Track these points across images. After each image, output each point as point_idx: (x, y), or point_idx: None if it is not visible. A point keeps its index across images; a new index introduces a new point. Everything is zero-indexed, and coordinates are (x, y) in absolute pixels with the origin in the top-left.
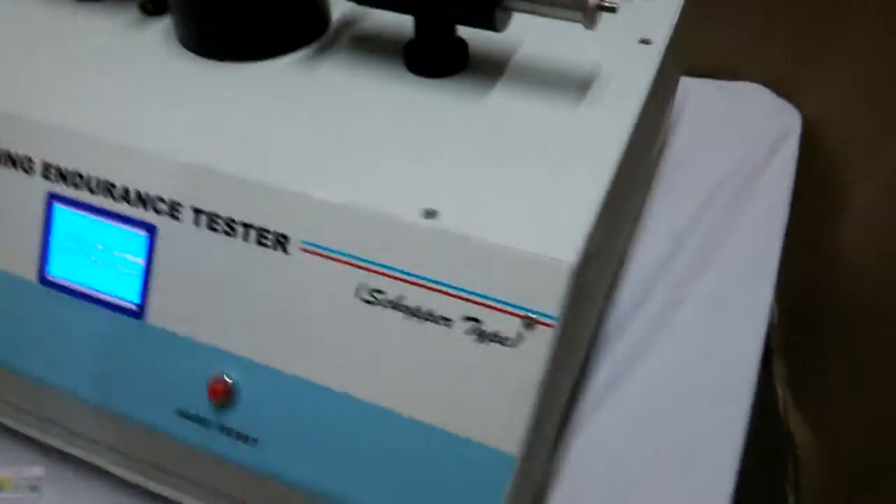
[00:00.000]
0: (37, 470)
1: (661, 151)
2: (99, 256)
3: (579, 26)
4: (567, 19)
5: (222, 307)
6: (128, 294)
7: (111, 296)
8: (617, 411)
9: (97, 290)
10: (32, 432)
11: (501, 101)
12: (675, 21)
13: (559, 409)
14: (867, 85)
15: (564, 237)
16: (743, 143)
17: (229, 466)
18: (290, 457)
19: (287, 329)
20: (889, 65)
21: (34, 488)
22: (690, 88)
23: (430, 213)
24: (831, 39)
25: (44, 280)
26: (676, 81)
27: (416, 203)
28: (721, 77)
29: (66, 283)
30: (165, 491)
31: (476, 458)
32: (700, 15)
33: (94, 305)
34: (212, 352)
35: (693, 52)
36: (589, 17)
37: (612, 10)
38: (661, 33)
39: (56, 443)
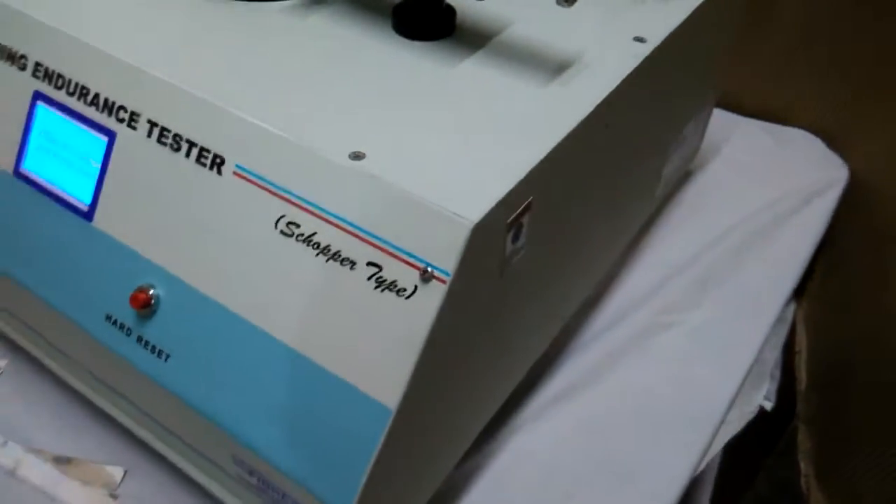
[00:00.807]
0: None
1: (681, 176)
2: (66, 157)
3: (578, 14)
4: None
5: (159, 220)
6: (82, 195)
7: (69, 195)
8: (565, 420)
9: (58, 188)
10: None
11: (472, 69)
12: (676, 23)
13: (465, 381)
14: None
15: (475, 198)
16: (777, 187)
17: (144, 379)
18: (194, 378)
19: (210, 250)
20: None
21: None
22: (738, 126)
23: (357, 156)
24: (888, 96)
25: (17, 173)
26: (702, 105)
27: (348, 146)
28: (774, 120)
29: (36, 178)
30: (99, 401)
31: (356, 406)
32: (757, 57)
33: (53, 202)
34: (142, 262)
35: (725, 80)
36: None
37: None
38: (658, 34)
39: (15, 336)
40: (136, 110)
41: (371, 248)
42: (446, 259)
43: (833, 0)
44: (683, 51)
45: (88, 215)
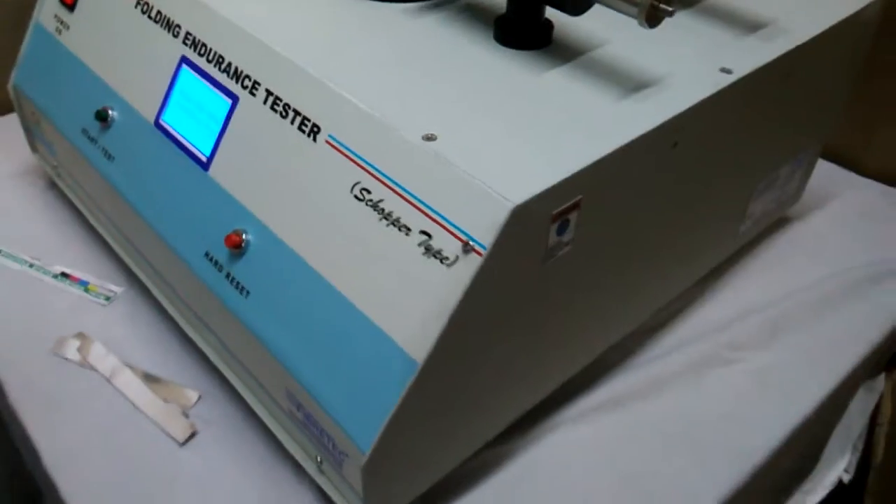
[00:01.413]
0: (116, 288)
1: (775, 220)
2: (196, 114)
3: (671, 40)
4: (627, 13)
5: (260, 175)
6: (203, 148)
7: (193, 146)
8: (602, 429)
9: (186, 140)
10: (119, 251)
11: (556, 79)
12: (766, 60)
13: (494, 357)
14: None
15: (522, 184)
16: (879, 247)
17: (226, 312)
18: (266, 315)
19: (295, 205)
20: None
21: (108, 299)
22: (852, 184)
23: (429, 138)
24: None
25: (157, 124)
26: (800, 150)
27: (424, 128)
28: (889, 182)
29: (170, 129)
30: (188, 329)
31: (390, 355)
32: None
33: (180, 151)
34: (241, 210)
35: (846, 135)
36: (643, 14)
37: (669, 13)
38: (745, 66)
39: (130, 264)
40: (259, 80)
41: (425, 218)
42: (486, 234)
43: None
44: (775, 89)
45: (206, 165)
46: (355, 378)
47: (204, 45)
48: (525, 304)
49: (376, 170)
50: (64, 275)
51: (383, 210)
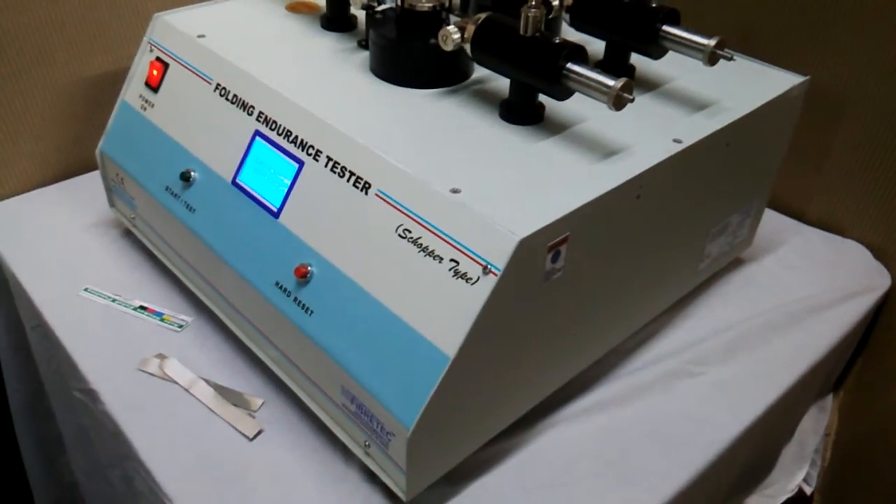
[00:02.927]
0: (187, 317)
1: (730, 260)
2: (268, 174)
3: (635, 117)
4: (599, 100)
5: (322, 221)
6: (274, 201)
7: (266, 200)
8: (590, 426)
9: (259, 195)
10: (190, 286)
11: (547, 147)
12: (709, 131)
13: (508, 355)
14: None
15: (525, 224)
16: (820, 283)
17: (292, 329)
18: (327, 327)
19: (351, 243)
20: None
21: (181, 327)
22: (799, 232)
23: (455, 191)
24: None
25: (234, 182)
26: (746, 201)
27: (450, 184)
28: (833, 230)
29: (245, 187)
30: (253, 347)
31: (429, 353)
32: (819, 170)
33: (255, 204)
34: (306, 248)
35: (771, 186)
36: (611, 100)
37: (630, 100)
38: (693, 137)
39: (201, 296)
40: (320, 149)
41: (454, 250)
42: (500, 260)
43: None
44: (718, 154)
45: (276, 215)
46: (400, 372)
47: (275, 121)
48: (529, 314)
49: (416, 215)
50: (142, 307)
51: (421, 244)
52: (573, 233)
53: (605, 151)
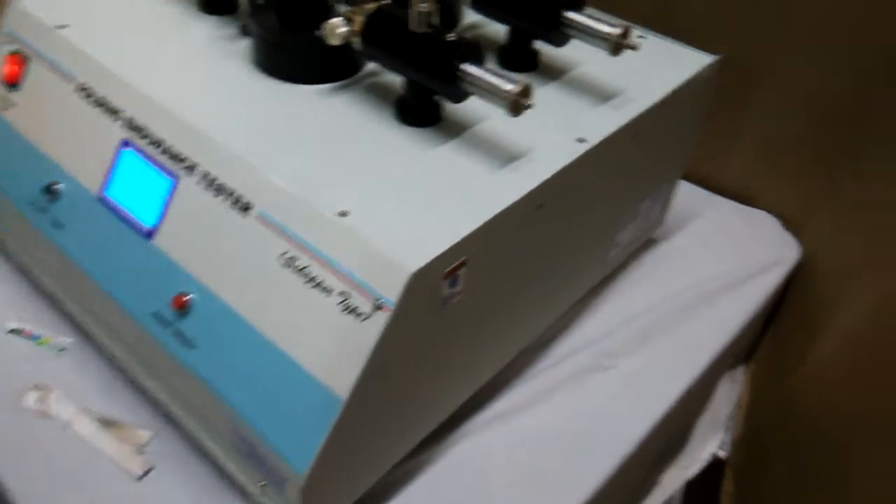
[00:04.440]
0: (67, 339)
1: (642, 243)
2: (140, 190)
3: (536, 114)
4: (497, 104)
5: (201, 244)
6: (148, 220)
7: (138, 219)
8: (503, 435)
9: (131, 213)
10: (70, 307)
11: (446, 153)
12: (615, 127)
13: (407, 388)
14: (868, 232)
15: (419, 251)
16: (730, 260)
17: (175, 362)
18: (212, 363)
19: (233, 271)
20: (891, 214)
21: (62, 350)
22: (710, 204)
23: (343, 213)
24: (843, 186)
25: (102, 198)
26: (657, 187)
27: (339, 205)
28: (745, 201)
29: (115, 204)
30: (139, 377)
31: (321, 395)
32: (731, 139)
33: (126, 223)
34: (185, 275)
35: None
36: (510, 106)
37: (529, 106)
38: (598, 135)
39: (81, 320)
40: (195, 162)
41: (343, 282)
42: (392, 295)
43: (805, 97)
44: (626, 148)
45: (151, 235)
46: (291, 413)
47: (144, 129)
48: (430, 342)
49: (301, 241)
50: (16, 331)
51: (308, 274)
52: (472, 255)
53: (505, 157)
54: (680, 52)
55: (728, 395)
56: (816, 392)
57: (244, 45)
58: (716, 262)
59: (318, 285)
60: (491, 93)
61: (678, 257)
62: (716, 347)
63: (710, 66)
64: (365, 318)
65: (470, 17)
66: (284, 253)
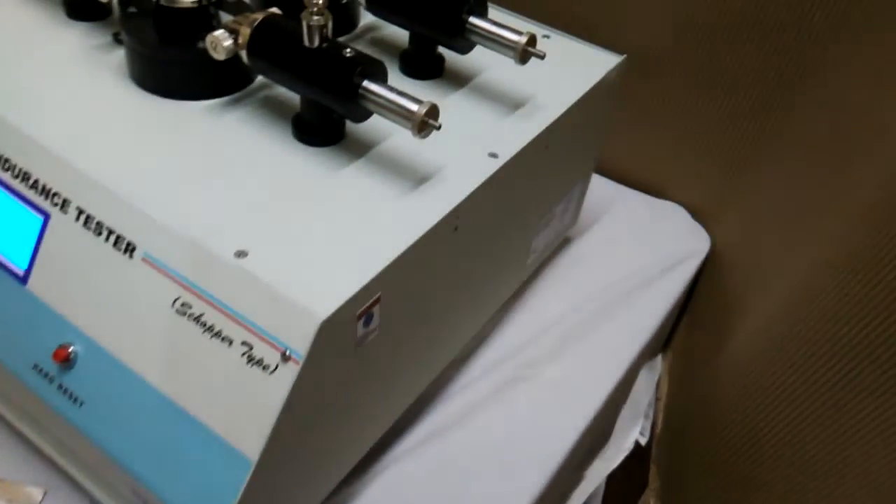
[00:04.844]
0: None
1: (558, 244)
2: (8, 228)
3: (445, 127)
4: (401, 125)
5: (81, 290)
6: (19, 262)
7: (8, 260)
8: (426, 461)
9: (1, 254)
10: None
11: (351, 176)
12: (528, 140)
13: (323, 438)
14: (775, 218)
15: (328, 295)
16: (644, 255)
17: (64, 421)
18: (103, 423)
19: (120, 319)
20: (797, 200)
21: None
22: (620, 196)
23: (241, 253)
24: (748, 174)
25: None
26: (568, 190)
27: (235, 243)
28: (653, 192)
29: None
30: (26, 430)
31: (227, 456)
32: (639, 132)
33: None
34: (65, 323)
35: (594, 163)
36: (416, 127)
37: (436, 127)
38: (510, 149)
39: None
40: (67, 197)
41: (245, 331)
42: (300, 345)
43: (707, 88)
44: (539, 159)
45: (24, 279)
46: (196, 477)
47: (7, 159)
48: (345, 384)
49: (195, 286)
50: None
51: (205, 323)
52: (386, 290)
53: (415, 177)
54: (586, 52)
55: (647, 383)
56: (732, 381)
57: (118, 56)
58: (629, 259)
59: (216, 335)
60: (395, 113)
61: (592, 256)
62: (635, 347)
63: (618, 67)
64: (272, 371)
65: (368, 17)
66: (178, 299)
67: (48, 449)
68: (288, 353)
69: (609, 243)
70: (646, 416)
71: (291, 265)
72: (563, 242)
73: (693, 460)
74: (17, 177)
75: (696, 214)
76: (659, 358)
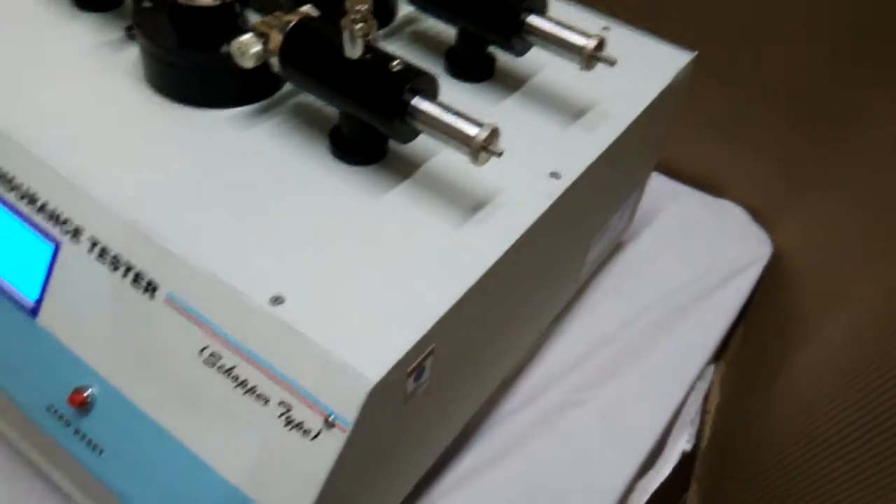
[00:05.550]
0: None
1: (608, 253)
2: (16, 255)
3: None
4: (457, 149)
5: (97, 329)
6: (29, 293)
7: (17, 290)
8: (470, 499)
9: (7, 282)
10: None
11: (397, 202)
12: (593, 158)
13: (369, 490)
14: (841, 231)
15: (378, 354)
16: (702, 262)
17: (83, 469)
18: (124, 473)
19: (141, 365)
20: (869, 210)
21: None
22: (675, 195)
23: (277, 300)
24: (814, 178)
25: None
26: (627, 197)
27: (270, 288)
28: (710, 190)
29: None
30: (47, 469)
31: None
32: (698, 127)
33: (4, 295)
34: (80, 364)
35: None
36: (473, 154)
37: (496, 154)
38: (574, 168)
39: None
40: (80, 225)
41: (283, 389)
42: (348, 411)
43: (774, 82)
44: (602, 176)
45: (34, 312)
46: None
47: (13, 179)
48: (392, 439)
49: (224, 335)
50: None
51: (237, 377)
52: (440, 340)
53: (469, 204)
54: (652, 48)
55: (697, 393)
56: (792, 405)
57: (131, 54)
58: (686, 266)
59: (250, 391)
60: (450, 136)
61: (646, 263)
62: (695, 366)
63: (687, 66)
64: (314, 437)
65: (406, 7)
66: (206, 348)
67: (70, 489)
68: (333, 418)
69: (664, 248)
70: (692, 423)
71: (334, 315)
72: (616, 247)
73: (732, 484)
74: (23, 198)
75: (757, 217)
76: (711, 367)
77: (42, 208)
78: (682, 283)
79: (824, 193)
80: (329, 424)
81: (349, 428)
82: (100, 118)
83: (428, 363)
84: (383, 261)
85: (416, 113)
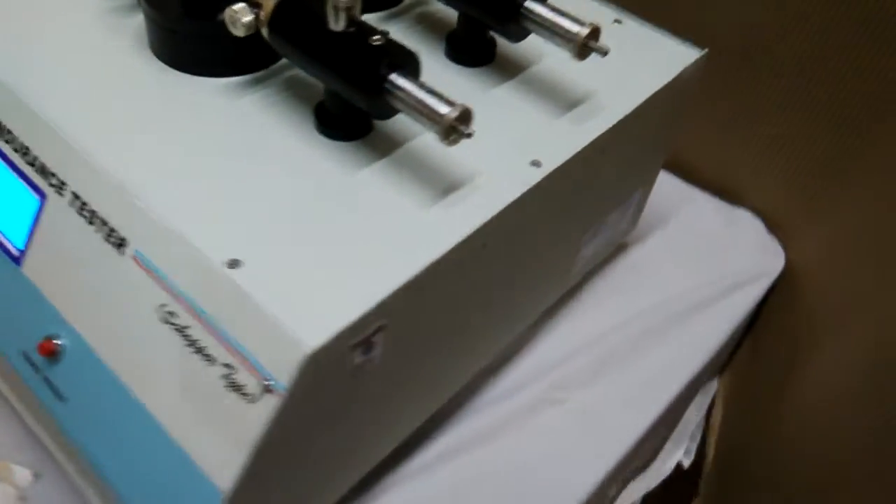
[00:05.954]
0: None
1: (611, 251)
2: (6, 203)
3: (485, 126)
4: (427, 128)
5: (72, 280)
6: (16, 240)
7: (6, 238)
8: (436, 484)
9: None
10: None
11: (372, 178)
12: (577, 148)
13: (308, 470)
14: (860, 251)
15: (321, 322)
16: (708, 270)
17: (47, 411)
18: (83, 422)
19: (106, 318)
20: (889, 230)
21: None
22: (691, 200)
23: (234, 263)
24: (835, 191)
25: None
26: (627, 197)
27: (229, 251)
28: (728, 196)
29: None
30: (20, 409)
31: (196, 482)
32: (715, 132)
33: None
34: (55, 314)
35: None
36: (442, 133)
37: (465, 135)
38: (556, 158)
39: None
40: (64, 180)
41: (228, 352)
42: (284, 377)
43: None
44: (592, 167)
45: (18, 260)
46: (167, 500)
47: (8, 131)
48: (338, 415)
49: (182, 294)
50: None
51: (188, 336)
52: (393, 316)
53: (443, 185)
54: (662, 43)
55: (698, 405)
56: (803, 423)
57: (138, 20)
58: (691, 273)
59: (199, 351)
60: (421, 114)
61: (649, 266)
62: (683, 379)
63: (696, 64)
64: (251, 401)
65: None
66: (164, 306)
67: (39, 430)
68: (270, 384)
69: (670, 252)
70: (692, 438)
71: (288, 282)
72: (620, 248)
73: (751, 496)
74: (17, 151)
75: (773, 228)
76: (715, 381)
77: (32, 161)
78: (682, 290)
79: (844, 210)
80: (266, 389)
81: (284, 393)
82: (98, 81)
83: (378, 339)
84: (348, 234)
85: (393, 89)
